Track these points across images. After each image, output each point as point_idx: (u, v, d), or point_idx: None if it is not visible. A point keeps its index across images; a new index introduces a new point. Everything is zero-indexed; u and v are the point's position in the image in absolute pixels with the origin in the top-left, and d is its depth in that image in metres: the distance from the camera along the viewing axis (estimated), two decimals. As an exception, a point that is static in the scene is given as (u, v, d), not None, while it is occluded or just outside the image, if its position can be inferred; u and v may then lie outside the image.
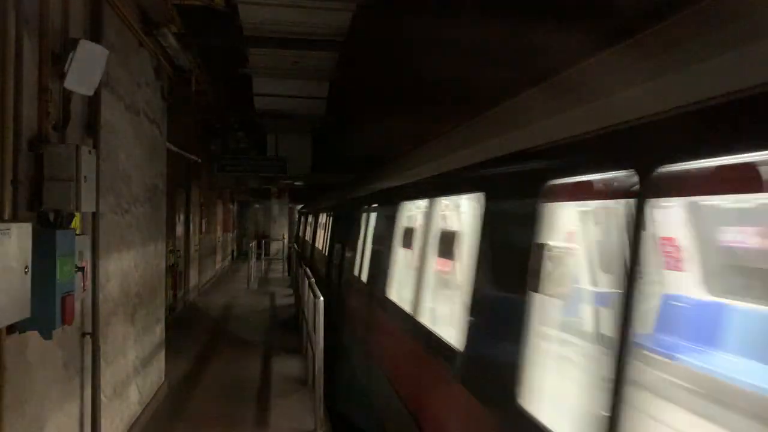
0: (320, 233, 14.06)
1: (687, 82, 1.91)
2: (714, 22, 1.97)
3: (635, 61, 2.31)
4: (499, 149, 3.27)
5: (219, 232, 19.22)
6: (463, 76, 8.62)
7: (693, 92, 1.85)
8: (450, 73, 8.62)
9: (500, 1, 6.27)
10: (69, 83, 3.64)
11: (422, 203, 5.01)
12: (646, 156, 1.98)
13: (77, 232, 3.78)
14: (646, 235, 1.93)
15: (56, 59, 3.57)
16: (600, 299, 3.30)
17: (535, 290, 2.54)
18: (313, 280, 7.03)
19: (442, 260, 4.67)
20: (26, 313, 3.02)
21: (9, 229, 2.84)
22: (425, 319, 4.45)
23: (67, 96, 3.76)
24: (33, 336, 3.28)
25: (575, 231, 3.35)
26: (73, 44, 3.65)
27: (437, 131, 6.16)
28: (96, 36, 4.18)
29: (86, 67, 3.74)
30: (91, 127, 4.23)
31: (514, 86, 3.62)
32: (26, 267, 3.00)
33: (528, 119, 3.06)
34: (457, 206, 4.66)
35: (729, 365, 2.89)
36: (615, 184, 2.17)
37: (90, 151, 3.69)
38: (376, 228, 7.03)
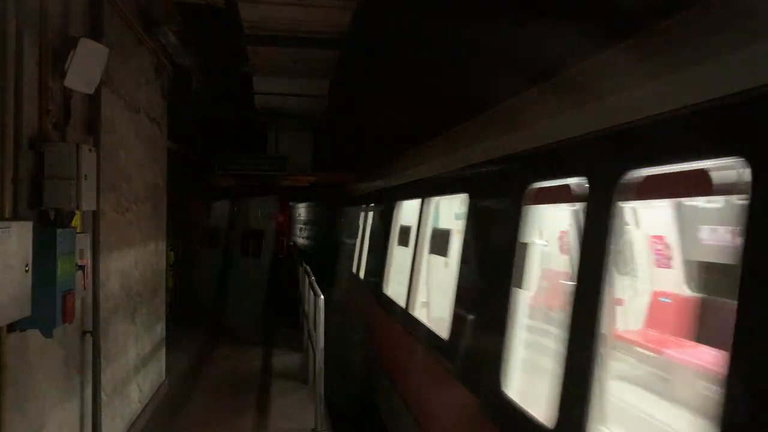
0: None
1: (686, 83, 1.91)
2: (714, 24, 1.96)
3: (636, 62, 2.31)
4: None
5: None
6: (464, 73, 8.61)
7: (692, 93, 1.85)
8: (451, 70, 8.61)
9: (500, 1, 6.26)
10: (69, 82, 3.64)
11: None
12: None
13: (78, 230, 3.78)
14: None
15: (57, 58, 3.57)
16: None
17: None
18: (313, 278, 7.01)
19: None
20: (27, 312, 3.02)
21: (10, 228, 2.84)
22: None
23: (67, 94, 3.76)
24: (34, 334, 3.28)
25: None
26: (73, 43, 3.65)
27: (441, 127, 6.15)
28: (96, 34, 4.17)
29: (87, 66, 3.74)
30: (92, 126, 4.23)
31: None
32: (27, 265, 3.00)
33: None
34: None
35: None
36: None
37: (90, 150, 3.69)
38: None
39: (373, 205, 9.13)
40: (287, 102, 10.90)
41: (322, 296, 5.68)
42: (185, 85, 7.91)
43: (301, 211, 30.96)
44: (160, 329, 6.66)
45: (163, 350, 6.80)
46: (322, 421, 5.64)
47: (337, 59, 8.24)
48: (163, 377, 6.80)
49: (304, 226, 30.17)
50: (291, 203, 28.48)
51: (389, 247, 7.16)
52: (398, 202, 7.40)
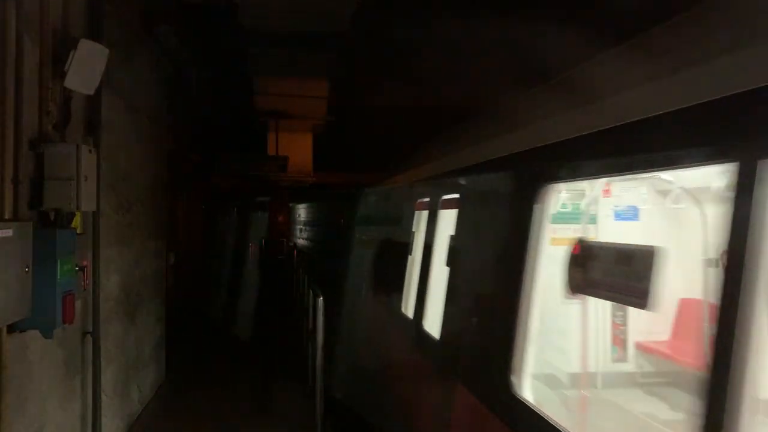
0: None
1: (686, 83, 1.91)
2: (713, 24, 1.96)
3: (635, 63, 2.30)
4: None
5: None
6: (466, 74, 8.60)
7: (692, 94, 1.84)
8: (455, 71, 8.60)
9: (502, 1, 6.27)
10: (69, 82, 3.64)
11: None
12: None
13: (78, 231, 3.78)
14: None
15: (57, 58, 3.57)
16: None
17: None
18: (310, 278, 6.99)
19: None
20: (27, 313, 3.03)
21: (10, 229, 2.84)
22: None
23: (67, 95, 3.76)
24: (34, 335, 3.28)
25: None
26: (73, 43, 3.65)
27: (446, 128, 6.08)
28: (96, 35, 4.17)
29: (87, 67, 3.74)
30: (92, 126, 4.24)
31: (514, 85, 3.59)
32: (27, 266, 3.00)
33: None
34: None
35: None
36: None
37: (90, 151, 3.68)
38: None
39: (455, 198, 4.60)
40: (287, 102, 10.92)
41: (321, 297, 5.69)
42: (185, 86, 7.91)
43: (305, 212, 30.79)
44: (159, 329, 6.66)
45: (163, 350, 6.81)
46: (322, 422, 5.63)
47: (337, 58, 8.26)
48: (163, 377, 6.80)
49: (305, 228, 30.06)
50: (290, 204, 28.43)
51: (522, 293, 3.02)
52: (544, 187, 3.00)
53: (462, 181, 4.55)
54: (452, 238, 4.39)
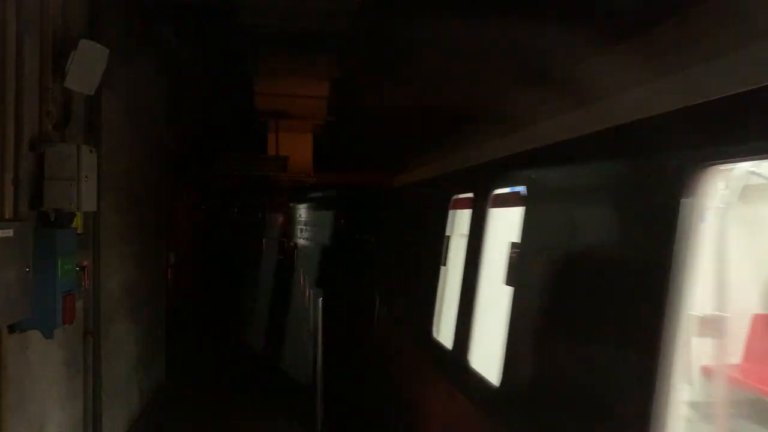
0: None
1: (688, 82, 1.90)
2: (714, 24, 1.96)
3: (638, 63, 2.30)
4: None
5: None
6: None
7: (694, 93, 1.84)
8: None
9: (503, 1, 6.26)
10: (70, 83, 3.64)
11: None
12: None
13: (78, 231, 3.79)
14: None
15: (57, 59, 3.57)
16: None
17: None
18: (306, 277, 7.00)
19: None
20: (27, 313, 3.03)
21: (10, 229, 2.84)
22: None
23: (67, 95, 3.76)
24: (34, 335, 3.29)
25: None
26: (73, 43, 3.65)
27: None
28: (96, 35, 4.17)
29: (87, 67, 3.73)
30: (92, 126, 4.24)
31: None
32: (27, 266, 3.00)
33: None
34: None
35: None
36: None
37: (91, 150, 3.69)
38: None
39: (518, 192, 3.54)
40: (287, 102, 10.91)
41: (321, 297, 5.70)
42: (185, 85, 7.92)
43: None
44: (160, 330, 6.66)
45: (164, 350, 6.81)
46: (322, 421, 5.64)
47: (337, 58, 8.26)
48: (164, 377, 6.80)
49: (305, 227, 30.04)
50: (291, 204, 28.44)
51: (666, 329, 2.00)
52: None
53: (532, 170, 3.33)
54: (518, 246, 3.33)
